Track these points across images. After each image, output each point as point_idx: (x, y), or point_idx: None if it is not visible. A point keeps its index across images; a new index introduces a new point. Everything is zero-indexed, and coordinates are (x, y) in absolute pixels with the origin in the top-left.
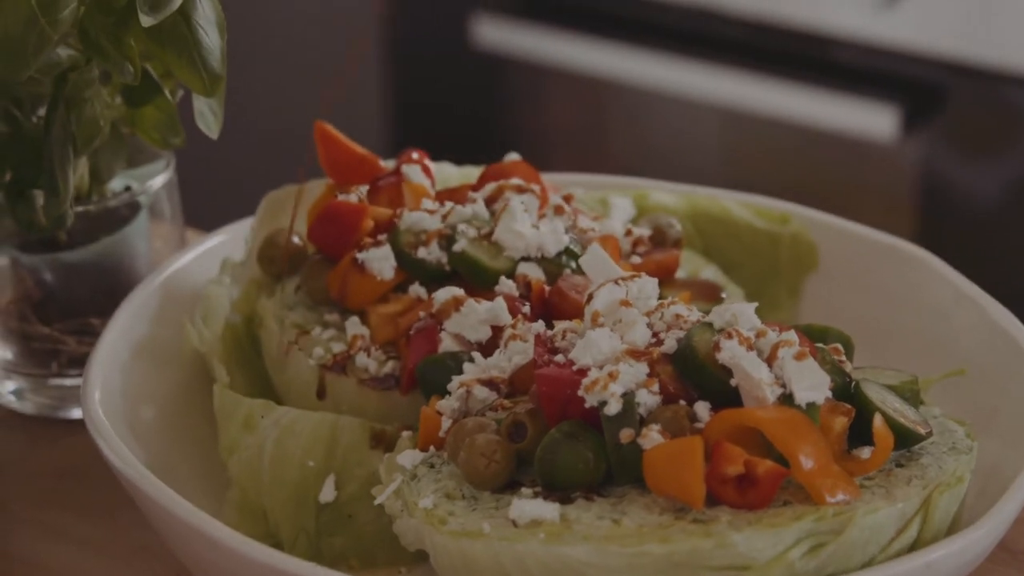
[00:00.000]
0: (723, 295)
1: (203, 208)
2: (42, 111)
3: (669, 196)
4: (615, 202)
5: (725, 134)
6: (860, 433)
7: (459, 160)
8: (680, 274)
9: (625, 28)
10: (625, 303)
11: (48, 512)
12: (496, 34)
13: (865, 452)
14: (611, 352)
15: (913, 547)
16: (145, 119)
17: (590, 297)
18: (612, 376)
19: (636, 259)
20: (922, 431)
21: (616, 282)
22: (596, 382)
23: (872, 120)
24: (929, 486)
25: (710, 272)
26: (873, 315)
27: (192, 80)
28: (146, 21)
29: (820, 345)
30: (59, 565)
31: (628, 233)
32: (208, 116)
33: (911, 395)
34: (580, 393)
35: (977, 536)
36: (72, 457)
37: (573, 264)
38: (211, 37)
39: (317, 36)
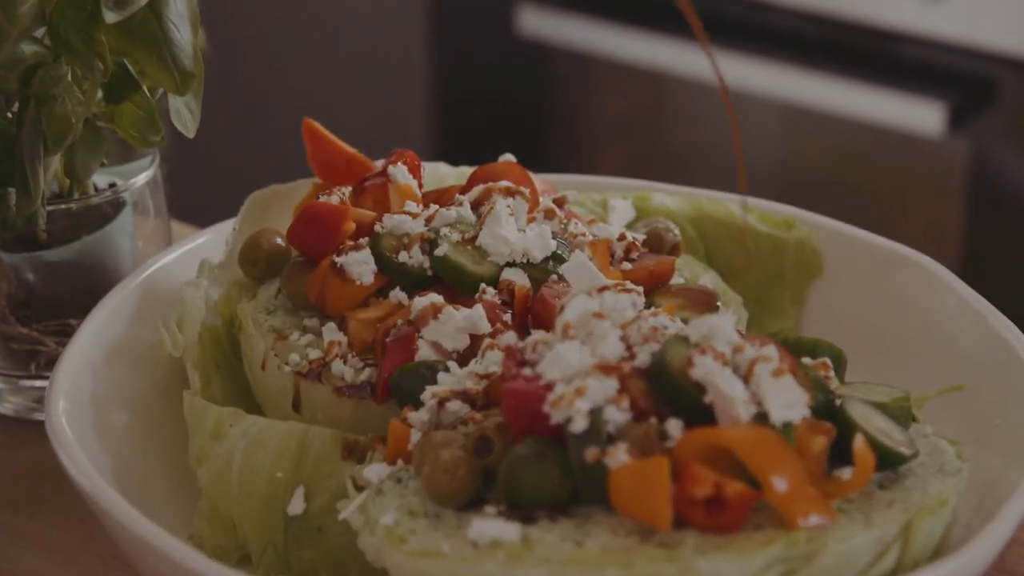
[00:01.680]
0: (719, 303)
1: (199, 202)
2: (16, 108)
3: (671, 199)
4: (614, 205)
5: (774, 127)
6: (843, 453)
7: (498, 152)
8: (678, 280)
9: (674, 19)
10: (598, 315)
11: (21, 518)
12: (541, 23)
13: (846, 473)
14: (580, 366)
15: (893, 574)
16: (124, 116)
17: (561, 308)
18: (579, 391)
19: (628, 266)
20: (906, 452)
21: (589, 293)
22: (561, 398)
23: (921, 114)
24: (911, 510)
25: (709, 279)
26: (877, 323)
27: (163, 78)
28: (110, 17)
29: (806, 360)
30: (27, 574)
31: (621, 238)
32: (184, 114)
33: (901, 413)
34: (545, 409)
35: (963, 563)
36: (49, 461)
37: (560, 270)
38: (183, 33)
39: (363, 28)
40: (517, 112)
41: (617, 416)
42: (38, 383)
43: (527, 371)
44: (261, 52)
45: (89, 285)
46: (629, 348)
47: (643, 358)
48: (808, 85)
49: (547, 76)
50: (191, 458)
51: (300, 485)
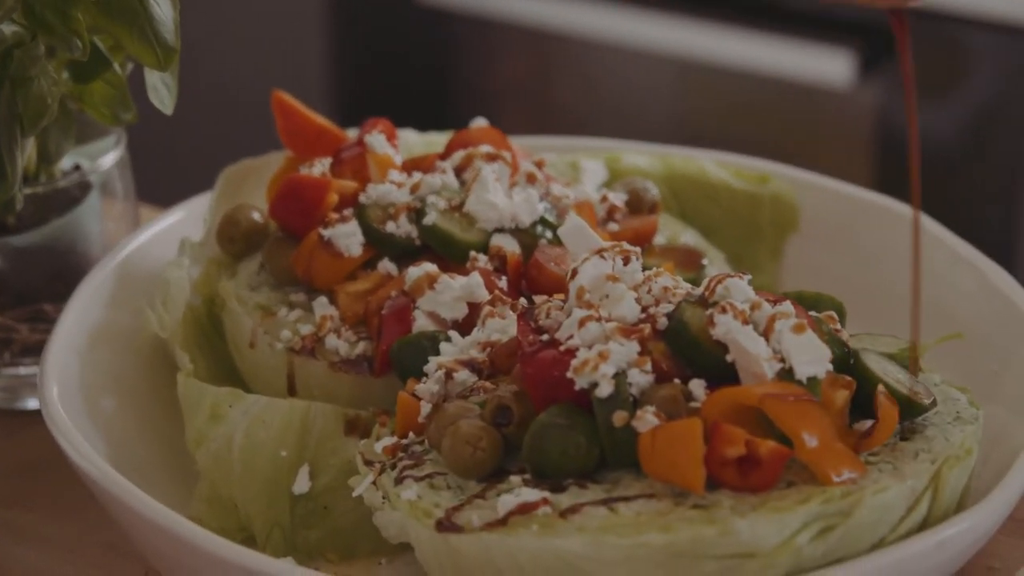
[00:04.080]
0: (704, 261)
1: (155, 183)
2: None
3: (643, 158)
4: (586, 166)
5: (677, 85)
6: (860, 406)
7: (405, 120)
8: (659, 240)
9: None
10: (612, 277)
11: (9, 511)
12: None
13: (867, 426)
14: (600, 330)
15: (923, 525)
16: (94, 95)
17: (574, 272)
18: (602, 356)
19: (613, 226)
20: (926, 402)
21: (602, 255)
22: (586, 363)
23: (828, 66)
24: (938, 460)
25: (689, 237)
26: (859, 277)
27: (144, 54)
28: None
29: (814, 314)
30: (24, 568)
31: (603, 199)
32: (162, 91)
33: (910, 363)
34: (569, 375)
35: (988, 511)
36: (31, 451)
37: (549, 234)
38: (163, 8)
39: None
40: (419, 78)
41: (640, 379)
42: (20, 371)
43: (543, 337)
44: None
45: (60, 270)
46: (644, 309)
47: (660, 319)
48: (712, 41)
49: (445, 41)
50: (188, 441)
51: (304, 463)
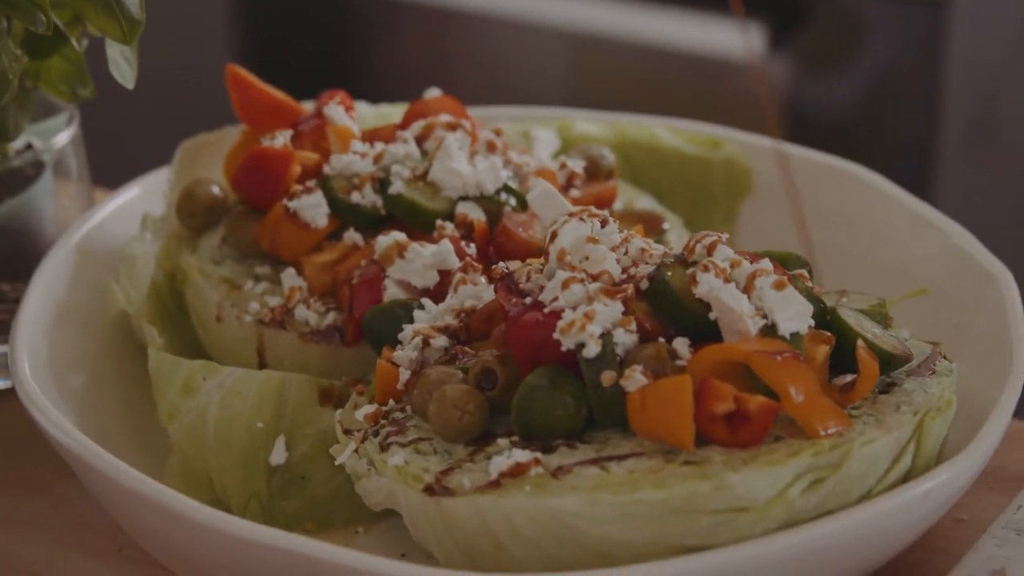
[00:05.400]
0: (665, 225)
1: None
2: None
3: (594, 125)
4: (538, 134)
5: (583, 60)
6: (838, 361)
7: (310, 97)
8: (616, 205)
9: None
10: (592, 239)
11: None
12: None
13: (846, 380)
14: (583, 292)
15: (907, 476)
16: (52, 71)
17: (553, 235)
18: (588, 316)
19: (574, 192)
20: (905, 355)
21: (581, 218)
22: (572, 324)
23: (737, 40)
24: (920, 412)
25: (645, 202)
26: (814, 239)
27: (109, 27)
28: None
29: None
30: None
31: (563, 166)
32: (123, 65)
33: (881, 318)
34: (556, 336)
35: (970, 461)
36: None
37: (513, 201)
38: None
39: None
40: (321, 55)
41: (626, 339)
42: None
43: (527, 301)
44: None
45: (15, 250)
46: (624, 271)
47: (642, 280)
48: (614, 13)
49: (345, 18)
50: (161, 415)
51: (280, 434)
